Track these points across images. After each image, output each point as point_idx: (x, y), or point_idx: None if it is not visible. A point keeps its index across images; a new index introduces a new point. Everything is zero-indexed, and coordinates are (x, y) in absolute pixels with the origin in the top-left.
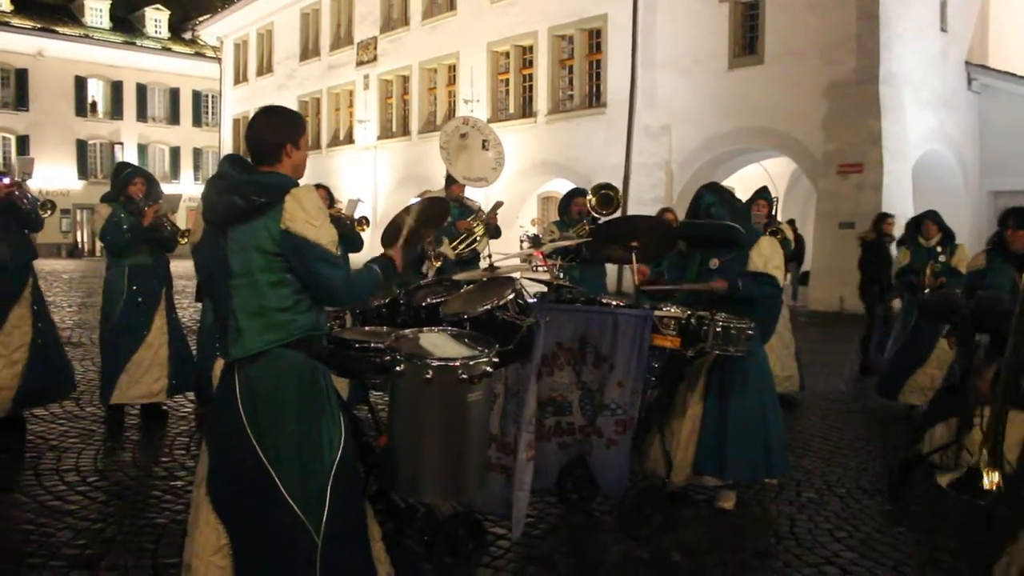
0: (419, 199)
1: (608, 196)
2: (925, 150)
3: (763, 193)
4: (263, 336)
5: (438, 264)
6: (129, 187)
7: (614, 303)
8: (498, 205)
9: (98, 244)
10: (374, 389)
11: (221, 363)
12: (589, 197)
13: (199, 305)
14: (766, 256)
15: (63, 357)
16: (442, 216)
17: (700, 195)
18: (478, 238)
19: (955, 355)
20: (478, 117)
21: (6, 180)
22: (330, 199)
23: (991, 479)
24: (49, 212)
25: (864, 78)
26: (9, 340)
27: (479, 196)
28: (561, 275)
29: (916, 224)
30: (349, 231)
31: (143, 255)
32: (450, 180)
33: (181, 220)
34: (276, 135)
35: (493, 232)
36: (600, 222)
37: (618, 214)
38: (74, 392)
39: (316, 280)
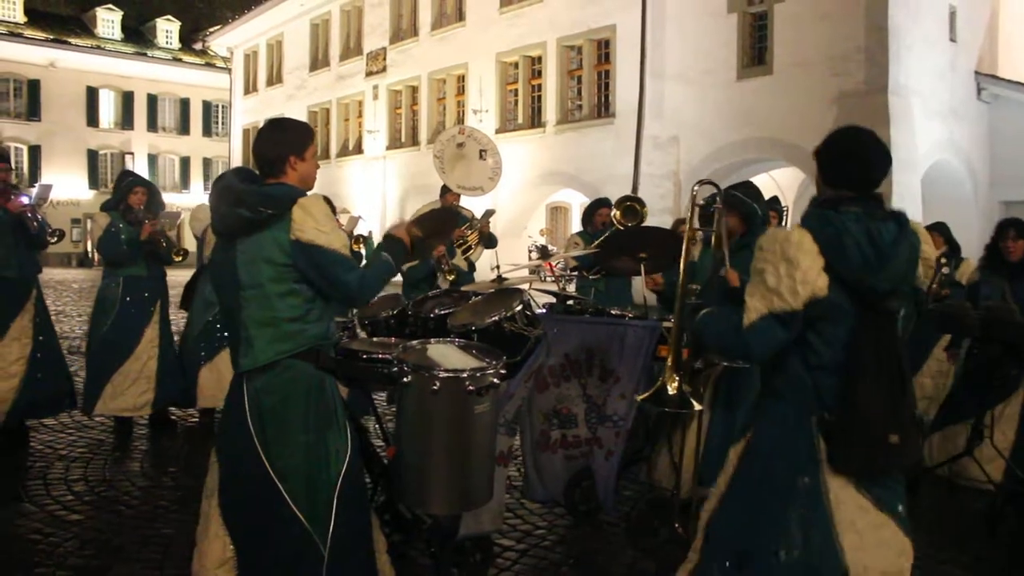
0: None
1: (633, 208)
2: (935, 160)
3: (773, 204)
4: (274, 346)
5: (452, 278)
6: (130, 196)
7: (625, 314)
8: (488, 213)
9: None
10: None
11: (205, 371)
12: (614, 211)
13: (185, 313)
14: None
15: (64, 371)
16: (450, 227)
17: (733, 186)
18: (472, 247)
19: (954, 367)
20: (475, 127)
21: (24, 199)
22: (332, 211)
23: (672, 387)
24: (56, 239)
25: (873, 89)
26: (8, 352)
27: (472, 205)
28: (572, 287)
29: None
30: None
31: (139, 267)
32: (445, 189)
33: (188, 235)
34: (279, 147)
35: (488, 241)
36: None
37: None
38: (74, 407)
39: (333, 285)
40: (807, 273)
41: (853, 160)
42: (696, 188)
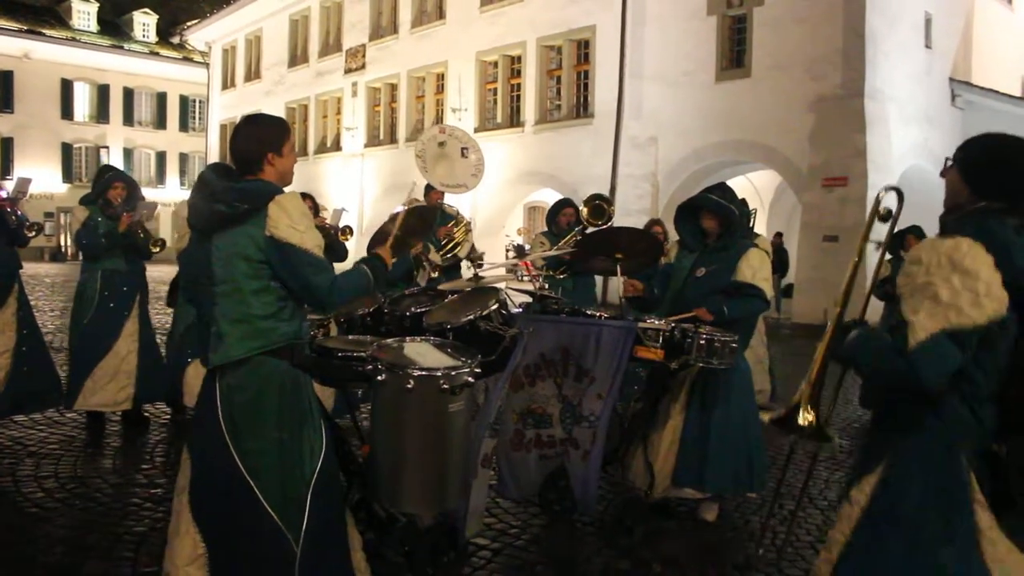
0: (404, 207)
1: (600, 207)
2: (909, 165)
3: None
4: (245, 343)
5: (435, 275)
6: (109, 191)
7: (599, 315)
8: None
9: None
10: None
11: (191, 369)
12: (582, 208)
13: (171, 310)
14: (755, 267)
15: (50, 365)
16: (428, 224)
17: (708, 188)
18: (459, 243)
19: None
20: (454, 125)
21: (2, 194)
22: (315, 209)
23: (806, 417)
24: (35, 233)
25: (850, 93)
26: None
27: (459, 202)
28: (547, 286)
29: (899, 238)
30: (333, 240)
31: (118, 260)
32: (429, 187)
33: (164, 227)
34: (257, 144)
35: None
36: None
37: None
38: (61, 403)
39: (303, 285)
40: (991, 286)
41: (1009, 169)
42: (883, 193)
